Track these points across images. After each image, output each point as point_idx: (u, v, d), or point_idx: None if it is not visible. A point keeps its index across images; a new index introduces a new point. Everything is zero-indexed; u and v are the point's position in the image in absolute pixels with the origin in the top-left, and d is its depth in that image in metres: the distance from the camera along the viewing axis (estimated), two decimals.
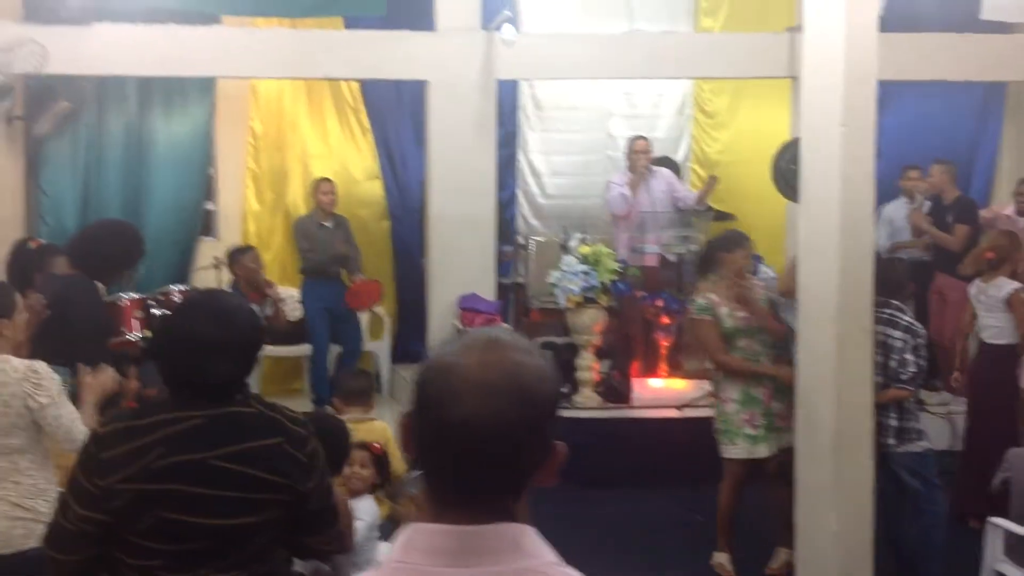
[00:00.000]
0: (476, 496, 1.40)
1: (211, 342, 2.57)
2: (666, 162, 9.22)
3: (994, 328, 6.57)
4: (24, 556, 3.69)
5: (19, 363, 3.79)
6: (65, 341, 5.10)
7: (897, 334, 5.37)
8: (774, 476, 5.80)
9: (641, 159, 8.31)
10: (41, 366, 3.83)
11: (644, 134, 8.84)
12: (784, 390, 5.69)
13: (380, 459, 4.43)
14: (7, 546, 3.76)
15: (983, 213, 8.91)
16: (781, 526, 5.77)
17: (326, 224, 8.43)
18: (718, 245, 6.09)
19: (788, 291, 5.85)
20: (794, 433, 5.51)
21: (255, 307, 7.04)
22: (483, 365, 1.39)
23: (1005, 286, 6.46)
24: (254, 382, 8.44)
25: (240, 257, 7.39)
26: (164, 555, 2.49)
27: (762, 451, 5.76)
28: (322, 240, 8.38)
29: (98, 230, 5.73)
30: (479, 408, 1.36)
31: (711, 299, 5.81)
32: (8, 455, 3.77)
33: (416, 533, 1.41)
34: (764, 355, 5.83)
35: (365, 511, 4.11)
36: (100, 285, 5.31)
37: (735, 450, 5.77)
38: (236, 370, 2.62)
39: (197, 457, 2.50)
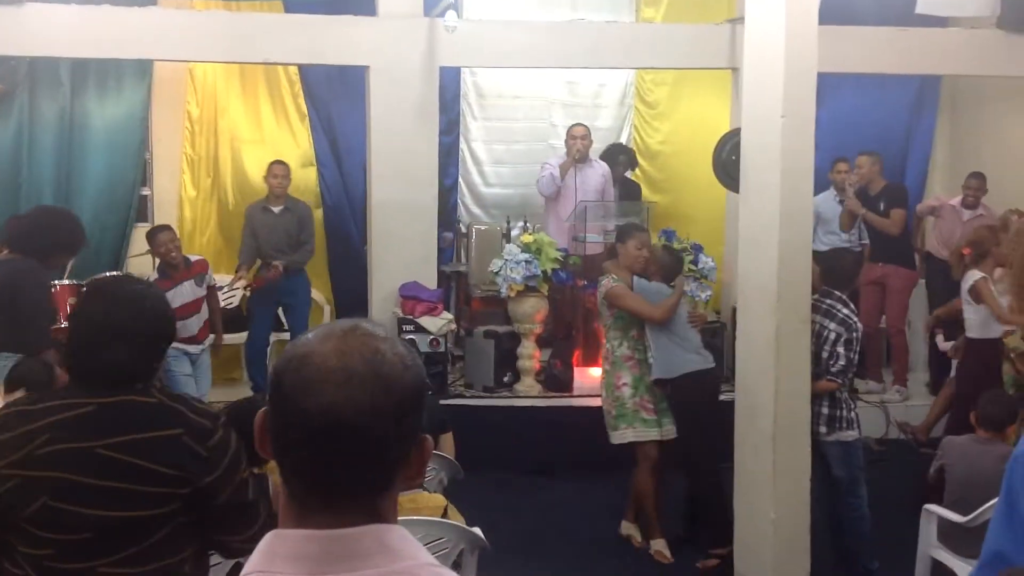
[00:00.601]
0: (339, 495, 1.32)
1: (109, 327, 2.50)
2: (619, 149, 9.19)
3: (971, 320, 6.71)
4: None
5: None
6: (13, 327, 5.01)
7: (832, 326, 5.45)
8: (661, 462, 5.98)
9: (576, 144, 8.26)
10: None
11: (588, 123, 8.83)
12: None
13: None
14: None
15: (929, 202, 9.07)
16: (655, 511, 6.01)
17: (272, 209, 8.06)
18: (616, 236, 6.42)
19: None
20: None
21: (189, 287, 6.99)
22: (341, 353, 1.32)
23: (971, 278, 6.60)
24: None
25: (156, 236, 7.22)
26: (53, 544, 2.41)
27: (656, 434, 5.92)
28: (265, 226, 8.03)
29: (42, 216, 5.62)
30: (337, 396, 1.29)
31: (620, 276, 6.01)
32: None
33: (278, 540, 1.34)
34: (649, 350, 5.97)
35: None
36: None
37: (633, 434, 5.92)
38: (137, 358, 2.52)
39: (83, 445, 2.41)
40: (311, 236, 8.20)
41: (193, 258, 7.31)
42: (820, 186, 8.50)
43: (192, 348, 7.06)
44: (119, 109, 8.65)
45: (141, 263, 8.30)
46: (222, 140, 9.03)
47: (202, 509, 2.50)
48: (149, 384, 2.55)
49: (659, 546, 5.98)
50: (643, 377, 5.94)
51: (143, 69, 8.64)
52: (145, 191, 8.98)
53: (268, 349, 8.25)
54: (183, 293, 6.95)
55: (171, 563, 2.49)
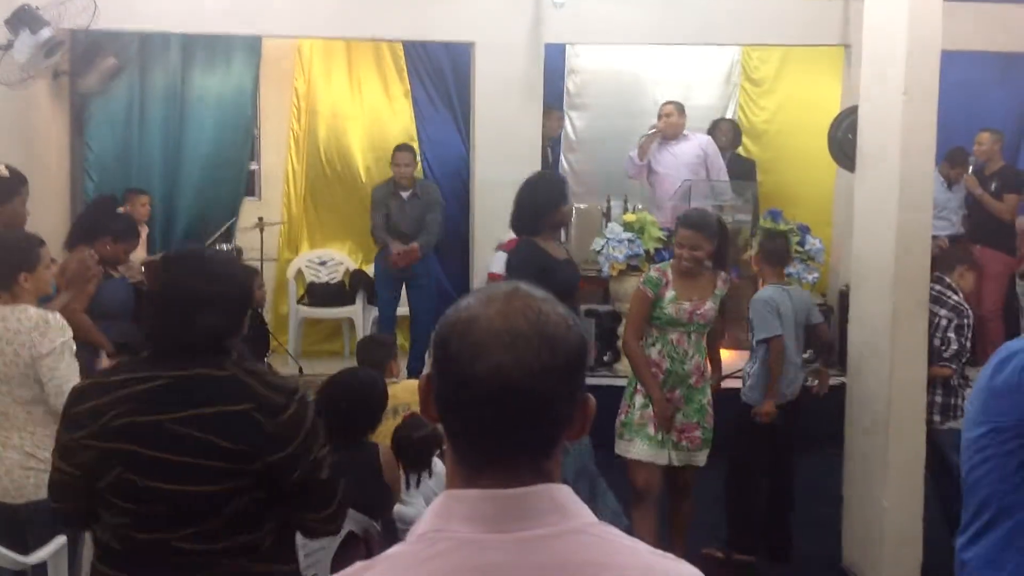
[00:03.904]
0: (508, 456, 1.33)
1: (182, 297, 2.49)
2: (723, 123, 9.02)
3: None
4: (36, 506, 3.72)
5: (34, 312, 3.81)
6: None
7: (943, 312, 5.34)
8: (681, 490, 5.21)
9: (661, 123, 8.16)
10: (54, 317, 3.83)
11: (692, 101, 8.70)
12: (698, 407, 5.07)
13: None
14: (20, 495, 3.81)
15: None
16: (677, 538, 5.23)
17: (401, 195, 7.92)
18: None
19: None
20: (699, 454, 5.07)
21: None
22: (505, 315, 1.32)
23: None
24: (293, 341, 8.58)
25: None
26: (130, 514, 2.43)
27: (663, 458, 5.03)
28: (392, 210, 7.91)
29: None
30: (505, 358, 1.29)
31: (663, 274, 5.08)
32: (23, 404, 3.81)
33: (452, 500, 1.34)
34: (692, 359, 5.04)
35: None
36: None
37: (634, 450, 5.02)
38: (212, 327, 2.48)
39: (152, 419, 2.41)
40: (436, 222, 8.04)
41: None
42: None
43: None
44: (228, 85, 8.78)
45: (250, 236, 8.44)
46: (327, 117, 9.11)
47: (274, 486, 2.45)
48: (226, 356, 2.51)
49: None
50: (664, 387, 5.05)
51: (252, 46, 8.76)
52: (253, 166, 9.12)
53: (394, 326, 8.20)
54: None
55: (248, 539, 2.46)
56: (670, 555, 1.36)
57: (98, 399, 2.46)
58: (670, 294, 4.98)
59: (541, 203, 5.11)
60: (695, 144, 8.25)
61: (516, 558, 1.28)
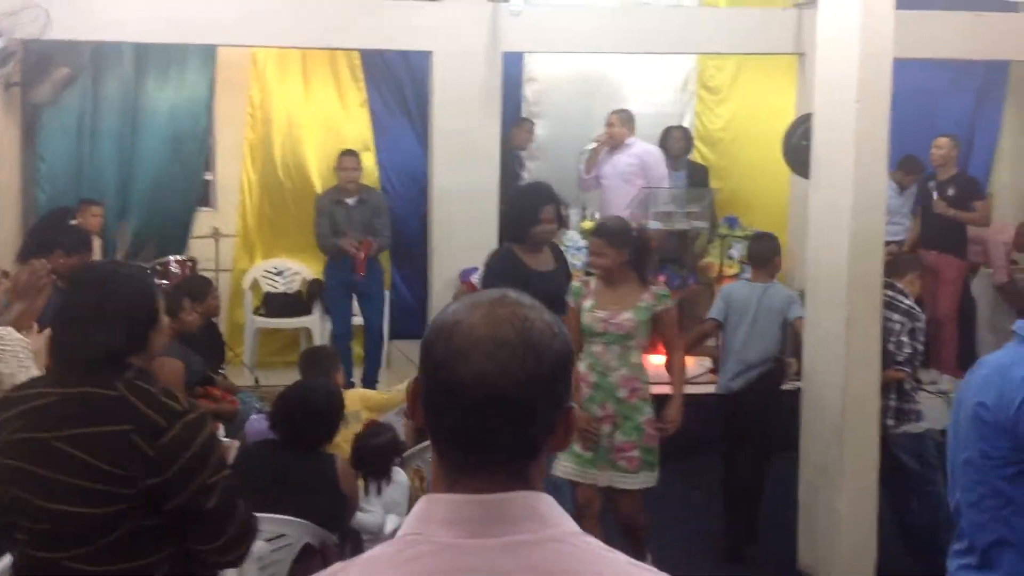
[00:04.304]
0: (490, 461, 1.34)
1: (83, 313, 2.46)
2: (673, 130, 9.05)
3: None
4: None
5: None
6: None
7: (896, 317, 5.39)
8: (627, 517, 4.94)
9: (605, 133, 8.22)
10: (8, 332, 3.76)
11: (649, 109, 8.75)
12: (635, 425, 4.83)
13: None
14: None
15: None
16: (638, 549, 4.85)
17: (347, 201, 7.91)
18: None
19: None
20: (634, 477, 4.84)
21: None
22: (489, 321, 1.34)
23: None
24: (249, 352, 8.51)
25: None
26: (27, 532, 2.40)
27: (590, 477, 4.84)
28: (336, 218, 7.88)
29: None
30: (488, 364, 1.31)
31: (586, 284, 4.96)
32: None
33: (433, 504, 1.35)
34: (617, 371, 4.83)
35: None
36: None
37: (560, 467, 4.82)
38: (111, 345, 2.42)
39: (41, 436, 2.37)
40: (387, 225, 8.04)
41: None
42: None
43: None
44: (183, 94, 8.70)
45: (204, 246, 8.36)
46: (282, 125, 9.05)
47: (154, 513, 2.37)
48: (121, 374, 2.42)
49: None
50: (590, 406, 4.83)
51: (207, 54, 8.68)
52: (208, 176, 9.05)
53: (350, 337, 8.18)
54: None
55: (139, 565, 2.39)
56: (652, 568, 1.37)
57: (4, 412, 2.44)
58: (588, 303, 4.86)
59: (518, 214, 5.13)
60: (632, 153, 8.28)
61: (492, 564, 1.29)
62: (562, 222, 5.53)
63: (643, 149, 8.33)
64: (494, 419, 1.32)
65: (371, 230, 7.91)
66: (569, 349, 1.38)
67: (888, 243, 6.12)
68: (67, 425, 2.36)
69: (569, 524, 1.36)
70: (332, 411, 4.16)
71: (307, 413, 4.05)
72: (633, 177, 8.22)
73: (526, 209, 5.10)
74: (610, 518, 5.01)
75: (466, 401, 1.31)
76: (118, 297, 2.48)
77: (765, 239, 6.24)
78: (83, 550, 2.36)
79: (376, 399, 5.66)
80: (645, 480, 4.87)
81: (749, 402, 5.78)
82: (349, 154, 8.06)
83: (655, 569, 1.37)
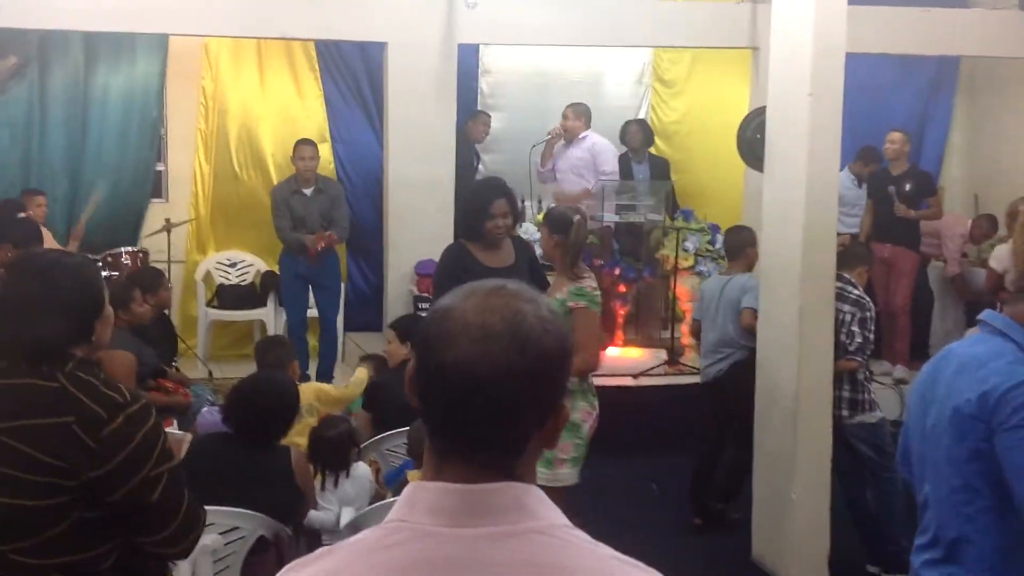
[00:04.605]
0: (474, 451, 1.34)
1: (22, 303, 2.42)
2: (635, 125, 9.05)
3: None
4: None
5: None
6: None
7: (846, 307, 5.43)
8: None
9: (559, 126, 8.30)
10: None
11: (605, 101, 8.77)
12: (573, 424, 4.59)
13: None
14: None
15: None
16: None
17: (304, 192, 7.75)
18: None
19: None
20: (561, 472, 4.59)
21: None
22: (481, 309, 1.34)
23: None
24: (202, 344, 8.42)
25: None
26: None
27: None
28: (294, 209, 7.73)
29: None
30: (472, 351, 1.31)
31: (590, 287, 4.81)
32: None
33: (419, 490, 1.36)
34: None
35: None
36: None
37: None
38: (51, 336, 2.38)
39: None
40: (344, 216, 7.94)
41: None
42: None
43: None
44: (133, 84, 8.59)
45: (158, 239, 8.27)
46: (236, 116, 8.97)
47: (97, 505, 2.34)
48: (63, 366, 2.38)
49: None
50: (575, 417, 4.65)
51: (158, 44, 8.57)
52: (160, 167, 8.94)
53: (305, 329, 8.07)
54: None
55: (84, 558, 2.37)
56: (639, 562, 1.37)
57: None
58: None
59: (470, 209, 5.12)
60: (583, 147, 8.34)
61: (471, 554, 1.30)
62: (517, 216, 5.51)
63: (593, 141, 8.39)
64: (474, 407, 1.32)
65: (329, 220, 7.81)
66: (563, 348, 1.37)
67: (842, 235, 6.20)
68: (8, 417, 2.32)
69: (556, 517, 1.36)
70: (287, 405, 4.13)
71: (262, 407, 4.01)
72: (584, 171, 8.29)
73: (478, 204, 5.08)
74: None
75: (447, 385, 1.32)
76: (60, 287, 2.43)
77: (739, 231, 6.32)
78: (27, 543, 2.33)
79: (331, 394, 5.63)
80: (568, 477, 4.64)
81: (722, 389, 5.98)
82: (306, 143, 7.93)
83: (640, 563, 1.36)
